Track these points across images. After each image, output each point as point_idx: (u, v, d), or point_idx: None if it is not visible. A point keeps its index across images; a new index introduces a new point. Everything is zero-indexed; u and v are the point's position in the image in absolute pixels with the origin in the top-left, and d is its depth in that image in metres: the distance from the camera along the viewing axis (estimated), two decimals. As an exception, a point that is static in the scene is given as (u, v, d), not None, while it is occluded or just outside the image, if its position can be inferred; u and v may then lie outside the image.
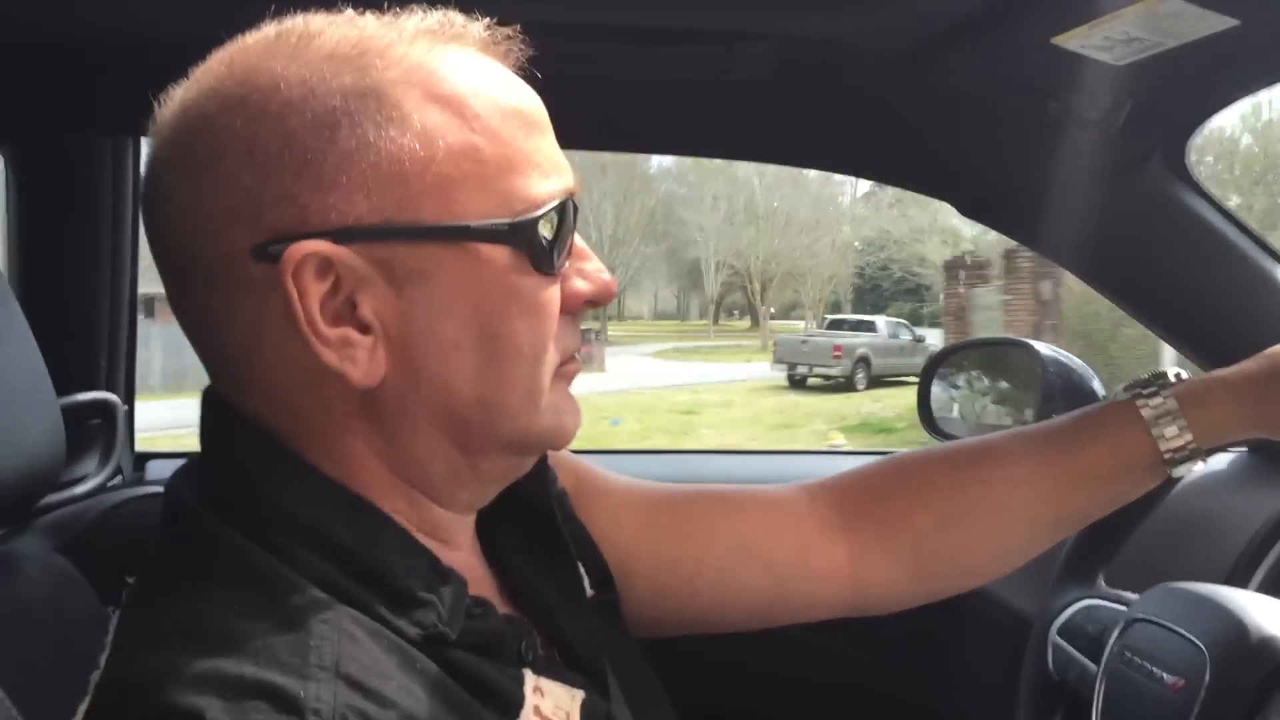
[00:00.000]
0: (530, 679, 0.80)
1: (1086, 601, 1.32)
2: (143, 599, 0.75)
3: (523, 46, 0.81)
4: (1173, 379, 1.04)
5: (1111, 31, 1.01)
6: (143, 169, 0.78)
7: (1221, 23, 0.96)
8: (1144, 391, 1.03)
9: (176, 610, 0.69)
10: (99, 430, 1.44)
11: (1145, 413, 1.02)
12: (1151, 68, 1.08)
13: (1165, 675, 1.06)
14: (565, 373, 0.83)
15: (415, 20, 0.77)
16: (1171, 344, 1.53)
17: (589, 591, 0.96)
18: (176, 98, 0.75)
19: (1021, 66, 1.16)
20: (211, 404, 0.80)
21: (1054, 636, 1.34)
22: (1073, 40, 1.04)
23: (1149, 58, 1.05)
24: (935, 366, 1.80)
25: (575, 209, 0.80)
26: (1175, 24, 0.98)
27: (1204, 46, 1.01)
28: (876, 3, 1.09)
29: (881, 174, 1.52)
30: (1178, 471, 1.03)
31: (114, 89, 1.27)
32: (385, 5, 0.78)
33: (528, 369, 0.78)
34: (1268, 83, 1.20)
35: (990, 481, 1.06)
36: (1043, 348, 1.59)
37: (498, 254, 0.75)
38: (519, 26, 0.79)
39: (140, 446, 1.85)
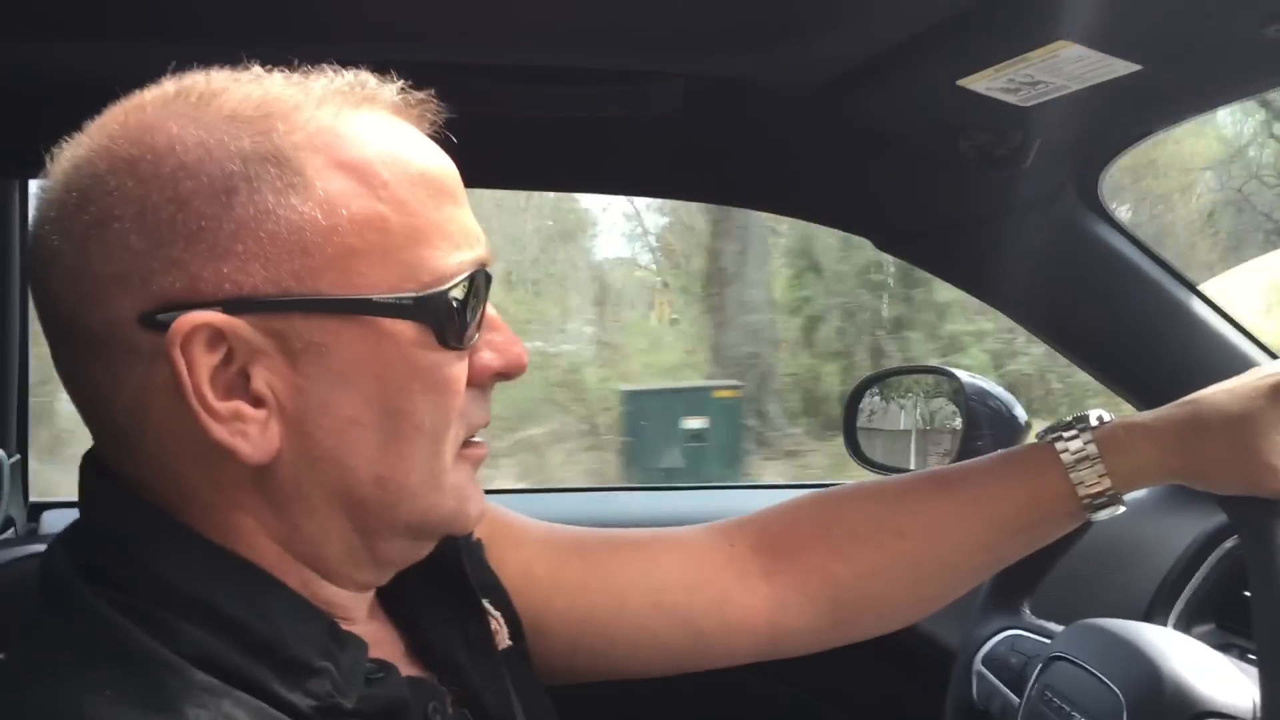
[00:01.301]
0: None
1: (1010, 632, 1.32)
2: (11, 681, 0.71)
3: (437, 109, 0.78)
4: (1094, 422, 1.03)
5: (1016, 75, 1.00)
6: (29, 225, 0.75)
7: (1124, 67, 0.96)
8: (1064, 435, 1.02)
9: (46, 694, 0.66)
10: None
11: (1064, 457, 1.01)
12: (1057, 108, 1.08)
13: (1082, 718, 1.06)
14: (469, 455, 0.80)
15: (325, 81, 0.73)
16: (1096, 378, 1.53)
17: (506, 642, 0.93)
18: (67, 154, 0.72)
19: (929, 106, 1.16)
20: (94, 468, 0.77)
21: (978, 666, 1.33)
22: (978, 83, 1.04)
23: (1054, 99, 1.05)
24: (860, 393, 1.79)
25: (488, 279, 0.77)
26: (1078, 69, 0.98)
27: (1108, 89, 1.02)
28: (781, 43, 1.08)
29: (797, 210, 1.52)
30: (1097, 517, 1.02)
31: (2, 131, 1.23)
32: (294, 62, 0.75)
33: (429, 447, 0.75)
34: (1174, 121, 1.21)
35: (909, 533, 1.05)
36: (965, 376, 1.59)
37: (401, 328, 0.71)
38: (430, 89, 0.77)
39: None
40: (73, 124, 0.73)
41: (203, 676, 0.67)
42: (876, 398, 1.84)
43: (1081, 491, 1.01)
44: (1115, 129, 1.23)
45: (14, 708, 0.67)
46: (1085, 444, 1.01)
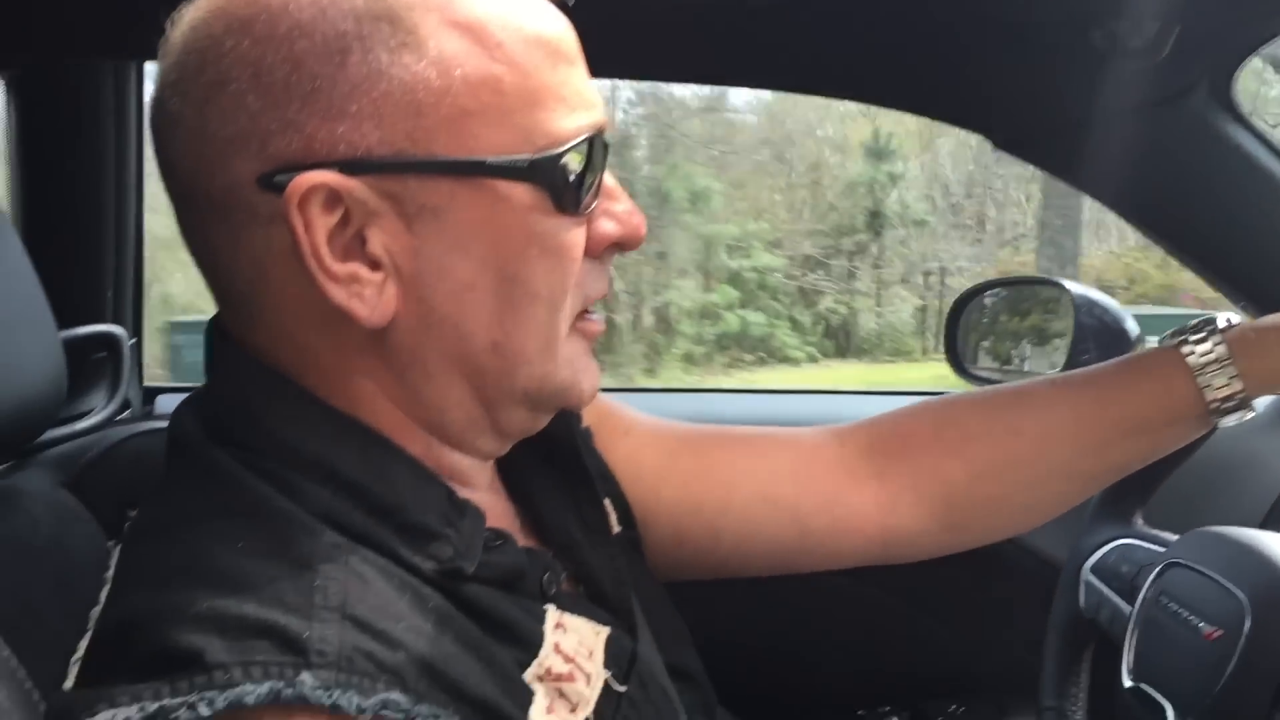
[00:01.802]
0: (552, 614, 0.78)
1: (1122, 540, 1.29)
2: (144, 534, 0.74)
3: None
4: (1223, 324, 0.99)
5: None
6: (148, 93, 0.75)
7: None
8: (1191, 337, 0.99)
9: (178, 546, 0.67)
10: (104, 364, 1.41)
11: (1192, 360, 0.98)
12: (1200, -8, 1.03)
13: (1202, 624, 1.04)
14: (585, 329, 0.80)
15: None
16: (1216, 287, 1.48)
17: (617, 528, 0.94)
18: (186, 18, 0.72)
19: (1065, -10, 1.11)
20: (218, 336, 0.78)
21: (1087, 575, 1.31)
22: (1122, -38, 0.99)
23: None
24: (963, 305, 1.75)
25: (606, 146, 0.76)
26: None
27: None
28: None
29: (914, 104, 1.47)
30: (1225, 422, 0.99)
31: (118, 12, 1.23)
32: None
33: (545, 315, 0.75)
34: (1325, 8, 1.14)
35: (1027, 433, 1.03)
36: (1075, 287, 1.55)
37: (517, 192, 0.71)
38: None
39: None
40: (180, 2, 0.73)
41: (330, 533, 0.68)
42: (981, 309, 1.80)
43: (1209, 395, 0.98)
44: (1258, 17, 1.16)
45: (150, 558, 0.69)
46: (1214, 346, 0.98)
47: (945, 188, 16.31)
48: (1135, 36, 1.16)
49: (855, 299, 15.59)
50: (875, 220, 15.67)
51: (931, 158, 16.24)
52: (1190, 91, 1.29)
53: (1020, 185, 15.91)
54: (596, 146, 0.74)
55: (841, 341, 15.37)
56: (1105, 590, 1.27)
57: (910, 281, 16.08)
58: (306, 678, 0.59)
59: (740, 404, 2.26)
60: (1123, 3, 1.09)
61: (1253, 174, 1.34)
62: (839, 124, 16.68)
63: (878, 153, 15.85)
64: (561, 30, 0.75)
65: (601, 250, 0.79)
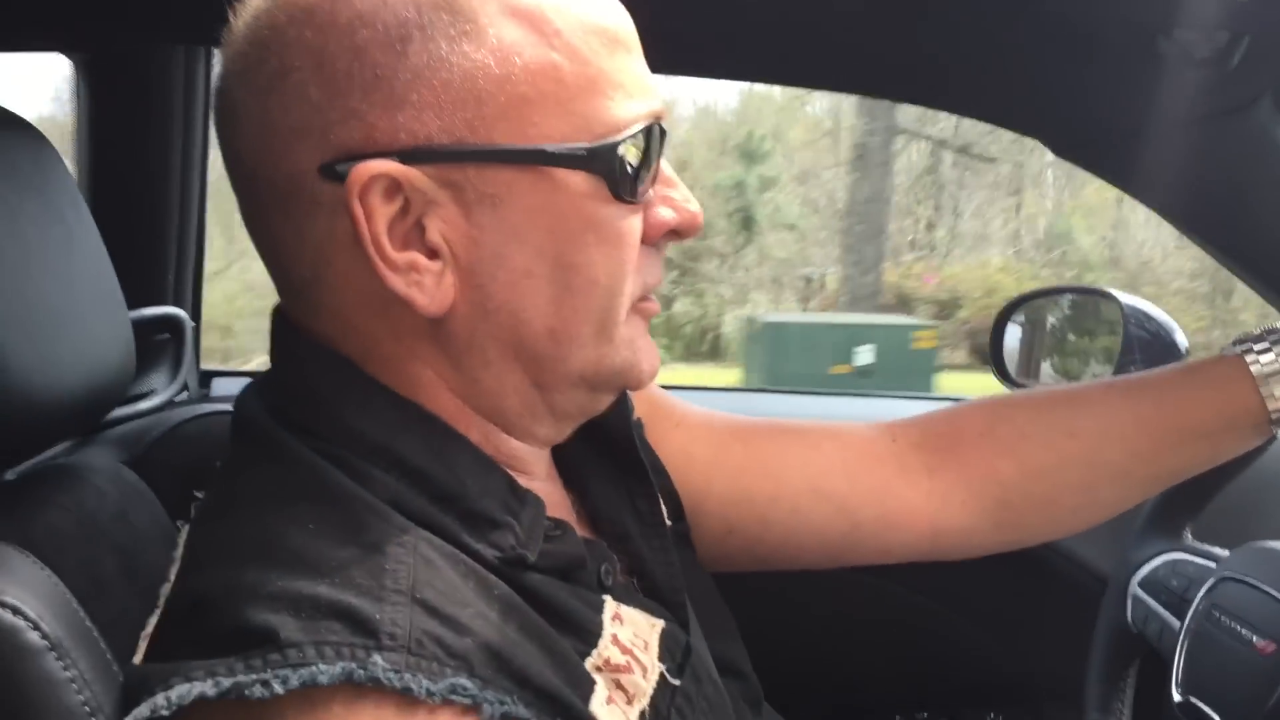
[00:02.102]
0: (610, 606, 0.78)
1: (1171, 555, 1.28)
2: (215, 513, 0.74)
3: None
4: None
5: None
6: (214, 81, 0.76)
7: None
8: (1255, 346, 0.99)
9: (250, 526, 0.68)
10: (167, 345, 1.43)
11: (1255, 369, 0.98)
12: (1275, 3, 1.02)
13: (1255, 638, 1.03)
14: (642, 309, 0.80)
15: None
16: (1273, 301, 1.46)
17: (668, 521, 0.94)
18: (249, 8, 0.73)
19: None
20: (281, 323, 0.79)
21: (1134, 589, 1.31)
22: (1196, -31, 0.98)
23: None
24: (1010, 312, 1.75)
25: (663, 134, 0.76)
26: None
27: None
28: None
29: (972, 108, 1.46)
30: None
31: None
32: None
33: (602, 301, 0.75)
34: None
35: (1082, 434, 1.02)
36: (1126, 298, 1.54)
37: (575, 179, 0.72)
38: None
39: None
40: None
41: (399, 517, 0.69)
42: (1027, 318, 1.79)
43: (1272, 405, 0.98)
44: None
45: (222, 537, 0.70)
46: (1279, 356, 0.97)
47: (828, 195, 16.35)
48: (1204, 46, 1.15)
49: (716, 303, 15.61)
50: (745, 223, 15.65)
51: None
52: (1255, 102, 1.28)
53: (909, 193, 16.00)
54: (654, 134, 0.75)
55: (695, 345, 15.38)
56: (1153, 604, 1.26)
57: (780, 284, 16.09)
58: (379, 659, 0.60)
59: (785, 405, 2.26)
60: (1193, 11, 1.08)
61: (1315, 188, 1.33)
62: (712, 125, 16.69)
63: (750, 154, 15.81)
64: (619, 18, 0.75)
65: (658, 237, 0.79)
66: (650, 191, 0.77)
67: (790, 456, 1.04)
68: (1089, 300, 1.80)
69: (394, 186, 0.69)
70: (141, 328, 1.29)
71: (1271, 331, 1.00)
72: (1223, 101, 1.25)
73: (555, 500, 0.84)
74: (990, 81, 1.39)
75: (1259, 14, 1.05)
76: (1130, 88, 1.28)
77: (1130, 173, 1.43)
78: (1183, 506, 1.30)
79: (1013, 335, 1.74)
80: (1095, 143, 1.42)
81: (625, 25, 0.76)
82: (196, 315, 1.72)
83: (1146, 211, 1.35)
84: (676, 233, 0.80)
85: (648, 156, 0.75)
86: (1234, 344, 1.01)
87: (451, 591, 0.66)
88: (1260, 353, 0.99)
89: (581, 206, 0.73)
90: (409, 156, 0.69)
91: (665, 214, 0.79)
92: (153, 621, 0.74)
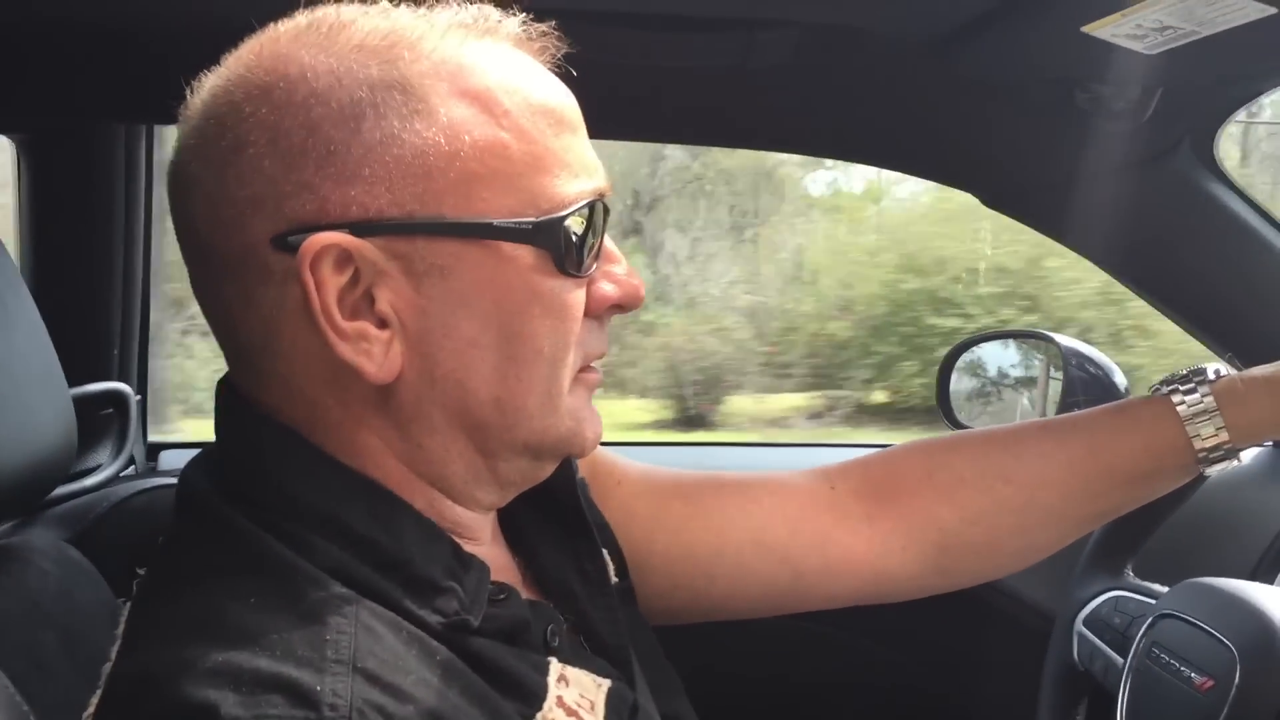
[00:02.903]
0: (555, 668, 0.79)
1: (1113, 593, 1.30)
2: (155, 591, 0.74)
3: (558, 42, 0.79)
4: (1211, 375, 1.01)
5: (1144, 20, 0.98)
6: (169, 155, 0.78)
7: (1259, 11, 0.94)
8: (1181, 387, 1.01)
9: (190, 602, 0.68)
10: (111, 420, 1.42)
11: (1181, 410, 1.00)
12: (1183, 56, 1.06)
13: (1194, 675, 1.05)
14: (586, 380, 0.81)
15: (449, 14, 0.76)
16: (1202, 340, 1.50)
17: (614, 579, 0.95)
18: (207, 85, 0.75)
19: (1050, 55, 1.14)
20: (227, 394, 0.79)
21: (1079, 627, 1.32)
22: (1104, 29, 1.02)
23: (1181, 46, 1.03)
24: (955, 357, 1.78)
25: (606, 210, 0.78)
26: (1211, 12, 0.95)
27: (1239, 34, 0.99)
28: None
29: (904, 164, 1.50)
30: (1211, 471, 1.01)
31: (133, 77, 1.26)
32: None
33: (547, 371, 0.76)
34: (1301, 72, 1.17)
35: (1017, 480, 1.04)
36: (1065, 340, 1.57)
37: (520, 253, 0.73)
38: (550, 21, 0.78)
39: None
40: (205, 67, 0.76)
41: (340, 587, 0.69)
42: (972, 361, 1.82)
43: (1198, 445, 1.00)
44: (1238, 80, 1.20)
45: (162, 614, 0.70)
46: (1203, 397, 1.00)
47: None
48: (1119, 99, 1.19)
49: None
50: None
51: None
52: (1173, 150, 1.32)
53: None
54: (597, 211, 0.77)
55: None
56: (1098, 642, 1.28)
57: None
58: None
59: (728, 457, 2.27)
60: (1107, 66, 1.11)
61: (1235, 230, 1.37)
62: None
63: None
64: (565, 100, 0.78)
65: (601, 310, 0.81)
66: (594, 266, 0.79)
67: (731, 510, 1.06)
68: (1030, 343, 1.83)
69: (345, 257, 0.70)
70: (84, 404, 1.29)
71: (1197, 372, 1.02)
72: (1141, 150, 1.29)
73: (500, 564, 0.85)
74: (922, 139, 1.43)
75: (1168, 69, 1.09)
76: (1053, 139, 1.32)
77: (1058, 222, 1.47)
78: (1122, 544, 1.32)
79: (958, 379, 1.77)
80: (1023, 193, 1.46)
81: (571, 107, 0.78)
82: (143, 389, 1.71)
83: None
84: (619, 306, 0.82)
85: (591, 231, 0.77)
86: (1161, 384, 1.04)
87: (393, 659, 0.66)
88: (1186, 393, 1.01)
89: (527, 279, 0.74)
90: (360, 229, 0.70)
91: (607, 288, 0.81)
92: (94, 701, 0.74)
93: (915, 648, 1.81)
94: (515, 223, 0.72)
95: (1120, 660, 1.19)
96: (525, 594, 0.82)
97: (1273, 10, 0.93)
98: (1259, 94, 1.25)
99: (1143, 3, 0.95)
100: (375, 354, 0.72)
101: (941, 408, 1.75)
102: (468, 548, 0.78)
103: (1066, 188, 1.38)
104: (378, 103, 0.70)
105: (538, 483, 0.85)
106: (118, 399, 1.42)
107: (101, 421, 1.41)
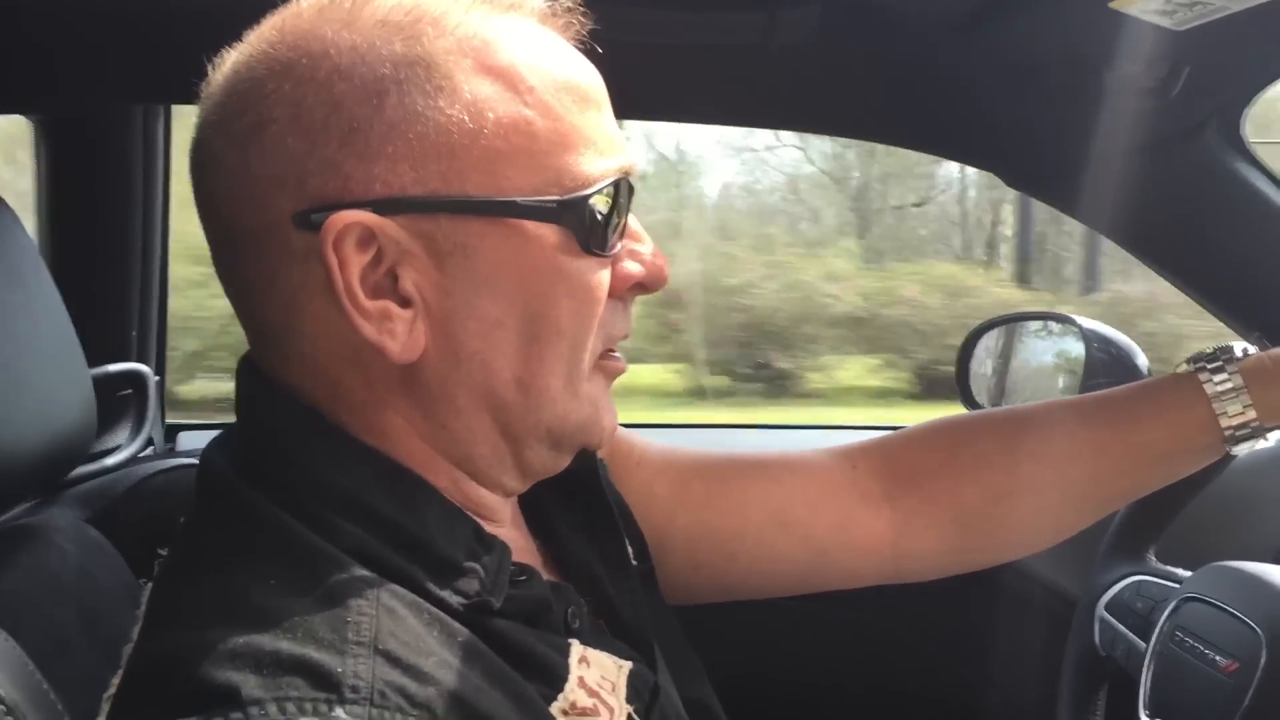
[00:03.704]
0: (576, 649, 0.78)
1: (1135, 577, 1.30)
2: (177, 572, 0.74)
3: (583, 19, 0.78)
4: (1239, 354, 1.00)
5: None
6: (191, 133, 0.77)
7: None
8: (1208, 366, 1.00)
9: (211, 584, 0.68)
10: (130, 401, 1.43)
11: (1208, 388, 0.99)
12: (1212, 33, 1.04)
13: (1218, 657, 1.05)
14: (606, 368, 0.81)
15: None
16: (1225, 320, 1.49)
17: (633, 562, 0.95)
18: (229, 61, 0.74)
19: (1076, 33, 1.13)
20: (249, 373, 0.79)
21: (1101, 612, 1.32)
22: (1133, 5, 1.01)
23: (1210, 22, 1.02)
24: (975, 339, 1.76)
25: (631, 189, 0.77)
26: (1242, -15, 0.94)
27: (1268, 11, 0.98)
28: None
29: (927, 144, 1.49)
30: (1238, 450, 1.00)
31: (150, 57, 1.26)
32: None
33: (569, 352, 0.76)
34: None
35: (1042, 457, 1.04)
36: (1086, 322, 1.56)
37: (545, 232, 0.73)
38: None
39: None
40: (222, 46, 0.75)
41: (361, 569, 0.69)
42: (991, 343, 1.81)
43: (1224, 423, 0.99)
44: (1267, 58, 1.18)
45: (184, 596, 0.70)
46: (1231, 375, 0.99)
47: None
48: (1146, 77, 1.18)
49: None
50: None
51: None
52: (1200, 129, 1.30)
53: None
54: (622, 189, 0.76)
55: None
56: (1120, 626, 1.27)
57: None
58: (340, 713, 0.60)
59: (746, 439, 2.27)
60: (1134, 44, 1.10)
61: (1261, 209, 1.36)
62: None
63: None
64: (590, 76, 0.77)
65: (625, 290, 0.80)
66: (618, 245, 0.78)
67: (752, 490, 1.05)
68: (1050, 325, 1.82)
69: (368, 236, 0.70)
70: (104, 385, 1.29)
71: (1224, 350, 1.01)
72: (1167, 129, 1.28)
73: (521, 546, 0.84)
74: (944, 118, 1.41)
75: (1196, 46, 1.08)
76: (1078, 118, 1.31)
77: (1082, 202, 1.45)
78: (1145, 528, 1.32)
79: (979, 361, 1.76)
80: (1048, 173, 1.45)
81: (596, 83, 0.77)
82: (161, 370, 1.72)
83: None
84: (643, 286, 0.82)
85: (616, 210, 0.76)
86: (1188, 362, 1.03)
87: (415, 641, 0.66)
88: (1214, 371, 1.00)
89: (551, 258, 0.73)
90: (383, 207, 0.70)
91: (632, 268, 0.80)
92: (115, 682, 0.74)
93: (937, 631, 1.80)
94: (540, 201, 0.72)
95: (1142, 645, 1.18)
96: (546, 576, 0.82)
97: None
98: (1286, 73, 1.23)
99: (1173, -23, 0.94)
100: (399, 333, 0.72)
101: (961, 391, 1.75)
102: (489, 529, 0.78)
103: (1091, 167, 1.36)
104: (401, 79, 0.70)
105: (555, 473, 0.84)
106: (136, 380, 1.43)
107: (120, 402, 1.42)
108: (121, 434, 1.40)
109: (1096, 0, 1.01)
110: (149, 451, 1.55)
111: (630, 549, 0.95)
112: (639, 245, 0.81)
